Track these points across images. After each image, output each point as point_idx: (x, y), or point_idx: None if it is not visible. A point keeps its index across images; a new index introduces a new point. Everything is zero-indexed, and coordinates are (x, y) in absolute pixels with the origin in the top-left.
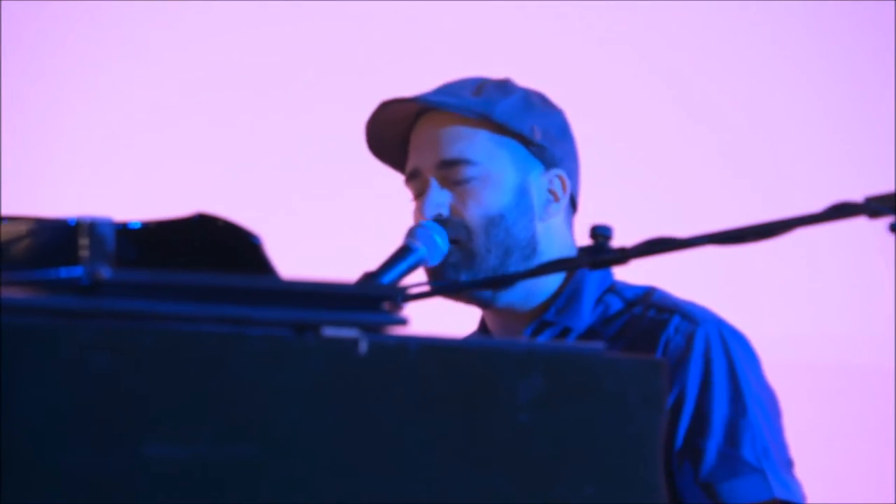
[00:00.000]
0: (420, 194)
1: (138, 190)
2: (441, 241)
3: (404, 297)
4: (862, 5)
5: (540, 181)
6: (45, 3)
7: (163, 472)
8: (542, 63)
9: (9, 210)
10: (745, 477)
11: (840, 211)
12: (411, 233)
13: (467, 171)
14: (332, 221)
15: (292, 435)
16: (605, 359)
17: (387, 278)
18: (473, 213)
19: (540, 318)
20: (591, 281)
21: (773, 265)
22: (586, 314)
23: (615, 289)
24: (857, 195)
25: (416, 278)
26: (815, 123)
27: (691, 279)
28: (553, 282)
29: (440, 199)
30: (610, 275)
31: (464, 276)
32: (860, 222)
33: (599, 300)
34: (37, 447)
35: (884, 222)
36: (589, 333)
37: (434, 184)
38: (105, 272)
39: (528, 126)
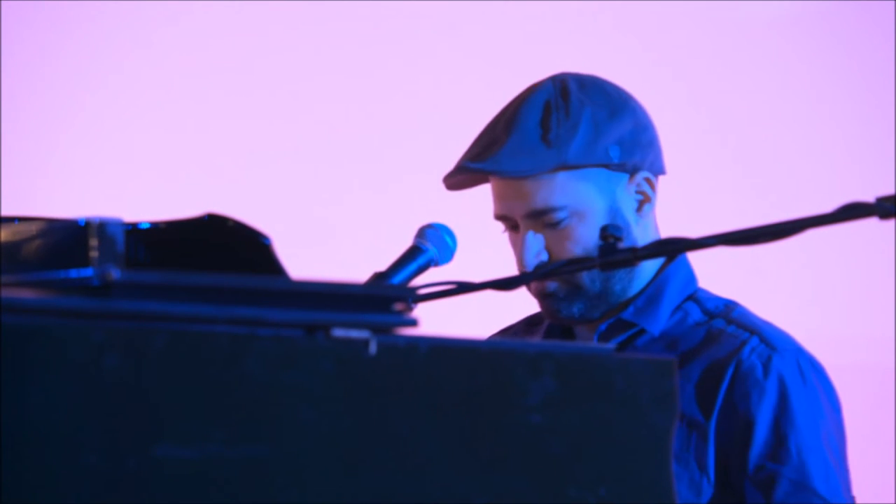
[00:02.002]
0: (512, 228)
1: (148, 190)
2: (451, 241)
3: (414, 297)
4: (870, 5)
5: (628, 190)
6: (48, 2)
7: (174, 472)
8: (552, 63)
9: (16, 210)
10: None
11: (851, 211)
12: (421, 233)
13: (556, 216)
14: (342, 222)
15: (303, 435)
16: (616, 359)
17: (397, 279)
18: (571, 252)
19: (617, 315)
20: (674, 286)
21: (772, 266)
22: (664, 318)
23: (697, 297)
24: (867, 195)
25: (427, 278)
26: (824, 124)
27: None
28: (639, 281)
29: (536, 246)
30: (694, 282)
31: (576, 308)
32: (862, 222)
33: (679, 307)
34: (48, 448)
35: (894, 223)
36: (663, 338)
37: (528, 232)
38: (115, 273)
39: (603, 152)
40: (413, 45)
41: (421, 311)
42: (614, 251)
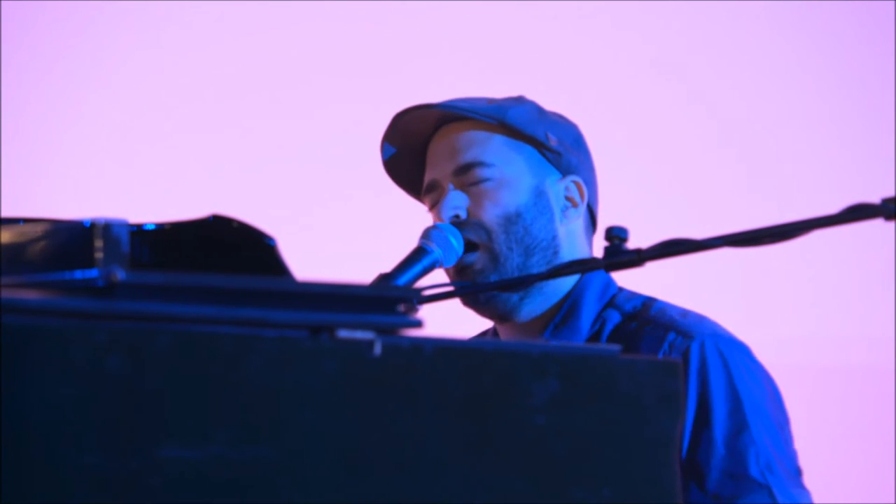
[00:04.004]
0: (436, 204)
1: (153, 191)
2: (456, 243)
3: (419, 298)
4: (872, 5)
5: (557, 186)
6: (51, 2)
7: (178, 473)
8: (555, 63)
9: (20, 212)
10: (751, 494)
11: (857, 212)
12: (426, 234)
13: (482, 173)
14: (347, 223)
15: (307, 436)
16: (620, 360)
17: (402, 280)
18: (490, 213)
19: (540, 335)
20: (590, 297)
21: (773, 267)
22: (584, 331)
23: (615, 303)
24: (871, 196)
25: (432, 280)
26: (827, 125)
27: (690, 283)
28: (553, 298)
29: (457, 201)
30: (611, 287)
31: (492, 279)
32: (862, 222)
33: (598, 316)
34: (51, 449)
35: None
36: None
37: (451, 188)
38: (120, 274)
39: (542, 132)
40: (418, 46)
41: (426, 312)
42: (619, 252)
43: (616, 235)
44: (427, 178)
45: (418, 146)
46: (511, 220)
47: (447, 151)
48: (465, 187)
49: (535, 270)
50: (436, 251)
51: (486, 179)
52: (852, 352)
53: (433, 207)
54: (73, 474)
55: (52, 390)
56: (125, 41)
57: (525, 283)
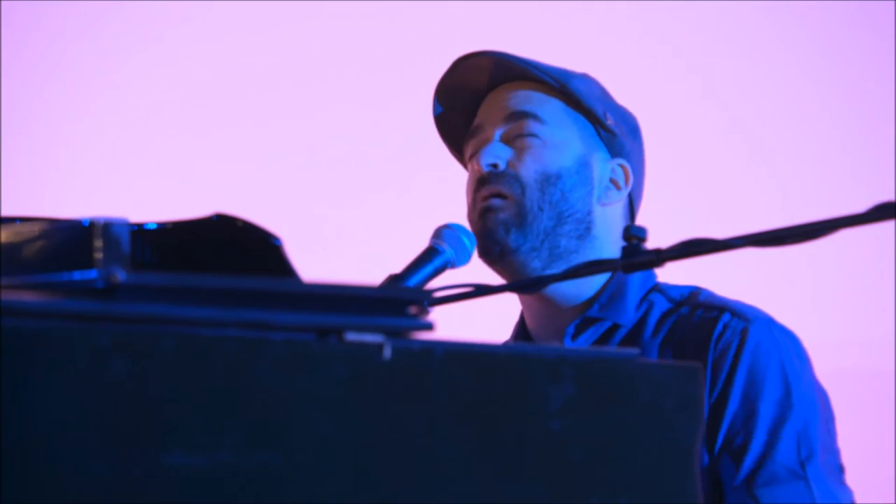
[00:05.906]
0: (476, 152)
1: (155, 190)
2: (468, 242)
3: (430, 300)
4: (879, 5)
5: (604, 165)
6: (55, 1)
7: (183, 480)
8: (564, 62)
9: (20, 211)
10: (787, 483)
11: (884, 211)
12: (438, 234)
13: (532, 126)
14: (356, 222)
15: (315, 442)
16: (638, 365)
17: (412, 281)
18: (530, 169)
19: (584, 314)
20: (634, 280)
21: (772, 269)
22: (631, 311)
23: (660, 288)
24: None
25: (443, 281)
26: (846, 125)
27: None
28: (597, 280)
29: (499, 151)
30: (653, 275)
31: (513, 236)
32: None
33: (644, 299)
34: (53, 456)
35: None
36: (636, 330)
37: (497, 138)
38: (120, 275)
39: (601, 109)
40: (426, 46)
41: (437, 314)
42: (637, 252)
43: (634, 235)
44: (476, 121)
45: (472, 102)
46: (549, 181)
47: (501, 102)
48: (511, 140)
49: (565, 240)
50: (448, 251)
51: (535, 135)
52: (852, 355)
53: (473, 156)
54: (76, 482)
55: (53, 395)
56: (128, 39)
57: (539, 285)
